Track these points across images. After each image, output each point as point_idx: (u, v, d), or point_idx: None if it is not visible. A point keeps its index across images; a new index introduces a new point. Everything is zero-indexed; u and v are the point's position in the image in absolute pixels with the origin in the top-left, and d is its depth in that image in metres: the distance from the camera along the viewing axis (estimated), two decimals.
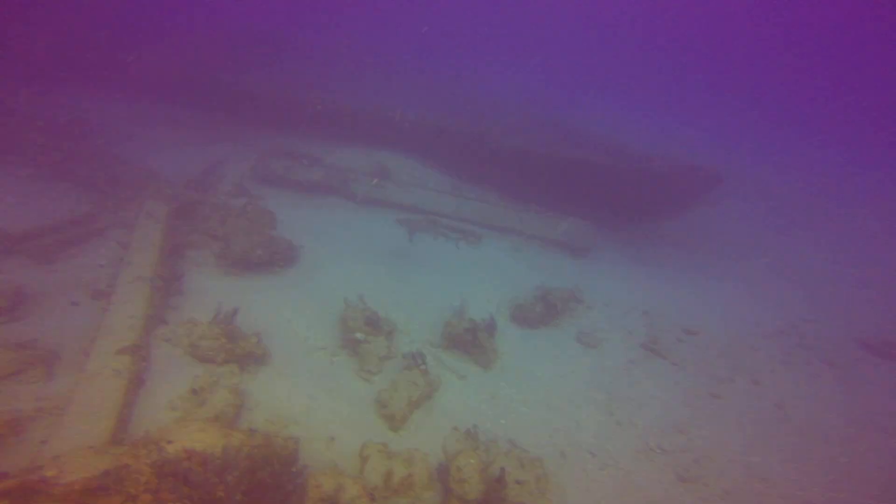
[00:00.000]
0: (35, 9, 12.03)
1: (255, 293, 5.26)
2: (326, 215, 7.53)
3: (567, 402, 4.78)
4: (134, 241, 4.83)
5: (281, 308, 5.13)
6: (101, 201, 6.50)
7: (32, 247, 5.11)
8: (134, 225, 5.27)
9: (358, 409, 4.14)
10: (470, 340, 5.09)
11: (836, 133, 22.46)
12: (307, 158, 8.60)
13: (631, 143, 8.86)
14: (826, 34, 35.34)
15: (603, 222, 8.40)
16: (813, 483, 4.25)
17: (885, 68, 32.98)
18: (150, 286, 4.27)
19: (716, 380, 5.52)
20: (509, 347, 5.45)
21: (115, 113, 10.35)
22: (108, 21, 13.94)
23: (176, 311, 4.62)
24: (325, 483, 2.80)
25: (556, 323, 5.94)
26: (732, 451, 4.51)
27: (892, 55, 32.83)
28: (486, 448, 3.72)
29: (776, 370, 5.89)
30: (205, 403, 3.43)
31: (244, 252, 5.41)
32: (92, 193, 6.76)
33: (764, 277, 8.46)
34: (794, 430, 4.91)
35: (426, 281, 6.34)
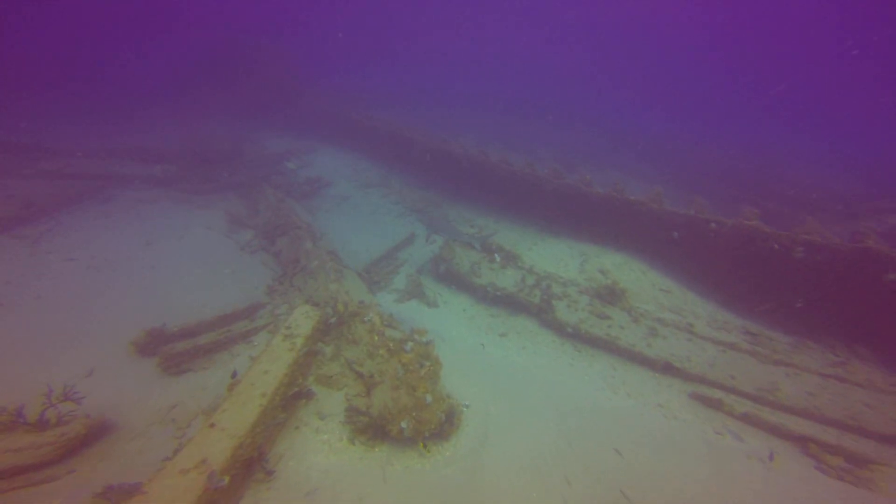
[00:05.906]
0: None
1: (376, 495, 2.86)
2: (515, 355, 4.93)
3: None
4: (245, 379, 3.23)
5: None
6: (276, 286, 5.72)
7: (173, 354, 4.19)
8: (271, 344, 3.83)
9: None
10: None
11: None
12: (501, 253, 6.43)
13: None
14: None
15: None
16: None
17: None
18: (207, 485, 2.32)
19: None
20: None
21: (349, 170, 11.04)
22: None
23: None
24: None
25: None
26: None
27: None
28: None
29: None
30: None
31: (382, 419, 3.20)
32: (278, 269, 6.15)
33: None
34: None
35: None
